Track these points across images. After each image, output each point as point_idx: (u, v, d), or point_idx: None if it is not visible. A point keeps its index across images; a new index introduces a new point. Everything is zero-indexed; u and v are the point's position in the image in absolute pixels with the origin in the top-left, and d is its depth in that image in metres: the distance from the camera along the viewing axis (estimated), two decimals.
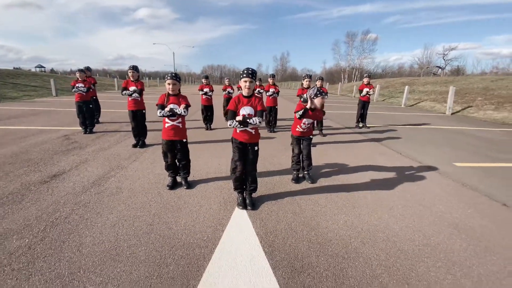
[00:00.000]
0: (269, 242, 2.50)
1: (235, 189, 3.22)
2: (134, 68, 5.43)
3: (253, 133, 3.02)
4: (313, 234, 2.65)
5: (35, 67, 78.02)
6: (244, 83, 2.90)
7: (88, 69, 7.87)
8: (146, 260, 2.22)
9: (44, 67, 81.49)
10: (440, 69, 44.71)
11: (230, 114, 2.96)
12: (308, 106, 3.61)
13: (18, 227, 2.66)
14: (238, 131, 3.00)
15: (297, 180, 3.96)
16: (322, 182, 4.00)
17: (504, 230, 2.86)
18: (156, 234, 2.58)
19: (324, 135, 7.27)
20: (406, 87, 18.26)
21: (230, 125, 2.96)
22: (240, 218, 2.92)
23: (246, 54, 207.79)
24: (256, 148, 3.08)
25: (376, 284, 2.03)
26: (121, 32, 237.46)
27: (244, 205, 3.13)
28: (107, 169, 4.27)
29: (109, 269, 2.10)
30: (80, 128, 6.87)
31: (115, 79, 31.98)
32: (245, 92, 2.95)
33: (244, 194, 3.24)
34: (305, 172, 4.03)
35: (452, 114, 13.51)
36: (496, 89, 15.67)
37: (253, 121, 2.88)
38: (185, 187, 3.65)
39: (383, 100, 21.45)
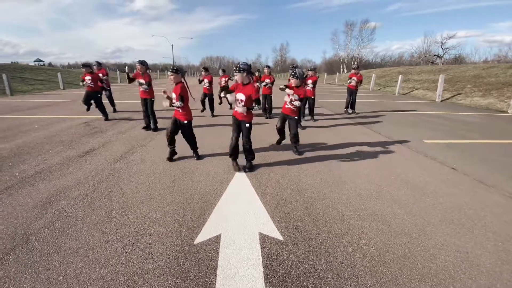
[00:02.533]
0: (261, 190, 3.42)
1: (229, 155, 4.13)
2: (141, 63, 6.18)
3: (244, 113, 3.84)
4: (295, 186, 3.56)
5: (34, 61, 78.49)
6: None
7: (99, 63, 8.75)
8: (173, 201, 3.13)
9: (43, 61, 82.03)
10: (438, 58, 45.28)
11: (229, 91, 3.84)
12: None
13: (73, 183, 3.57)
14: (234, 110, 3.89)
15: (279, 143, 5.14)
16: (308, 154, 4.90)
17: (444, 184, 3.76)
18: (177, 187, 3.49)
19: (315, 120, 8.14)
20: (400, 76, 19.04)
21: (223, 96, 3.82)
22: (241, 177, 3.83)
23: (245, 45, 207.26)
24: (247, 125, 3.91)
25: (335, 212, 2.95)
26: (118, 24, 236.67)
27: (238, 168, 4.05)
28: (129, 147, 5.17)
29: (148, 206, 3.02)
30: (102, 116, 7.73)
31: (117, 72, 32.70)
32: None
33: (237, 161, 4.15)
34: (293, 147, 4.93)
35: (441, 101, 14.34)
36: (486, 77, 16.42)
37: (238, 107, 3.79)
38: (195, 158, 4.55)
39: (379, 89, 22.22)
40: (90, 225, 2.65)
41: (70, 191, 3.36)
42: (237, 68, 3.70)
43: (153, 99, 6.54)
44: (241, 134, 4.00)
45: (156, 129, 6.62)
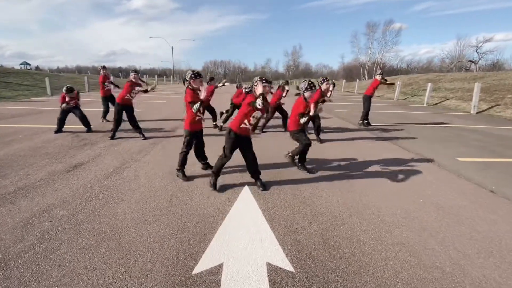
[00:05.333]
0: (270, 213, 3.41)
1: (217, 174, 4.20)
2: (135, 71, 7.01)
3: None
4: (308, 209, 3.55)
5: (20, 64, 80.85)
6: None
7: (103, 67, 9.20)
8: (170, 224, 3.14)
9: (30, 65, 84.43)
10: (472, 64, 45.24)
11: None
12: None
13: (58, 202, 3.61)
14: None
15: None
16: (324, 172, 4.89)
17: (482, 209, 3.69)
18: (175, 208, 3.51)
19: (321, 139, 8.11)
20: (429, 84, 19.01)
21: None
22: (246, 197, 3.84)
23: (254, 48, 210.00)
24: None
25: (355, 240, 2.92)
26: (114, 25, 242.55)
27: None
28: (122, 161, 5.24)
29: (141, 228, 3.03)
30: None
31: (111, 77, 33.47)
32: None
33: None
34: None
35: (477, 113, 14.20)
36: None
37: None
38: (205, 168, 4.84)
39: (405, 99, 22.18)
40: (75, 250, 2.67)
41: (54, 210, 3.40)
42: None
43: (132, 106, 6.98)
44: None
45: (143, 137, 6.99)
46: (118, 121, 6.90)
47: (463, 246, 2.88)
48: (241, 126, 3.88)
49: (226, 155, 4.03)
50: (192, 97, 4.18)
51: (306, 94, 4.68)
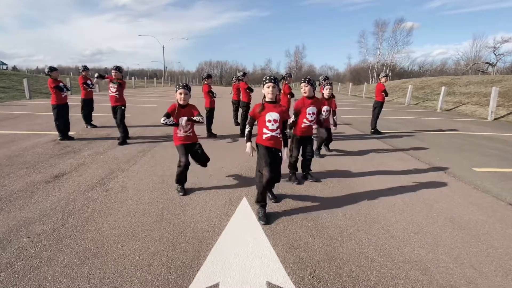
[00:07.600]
0: (270, 228, 3.44)
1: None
2: (118, 69, 7.17)
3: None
4: (312, 223, 3.58)
5: None
6: (267, 89, 3.64)
7: (85, 68, 9.65)
8: (160, 240, 3.16)
9: (6, 65, 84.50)
10: (490, 66, 45.75)
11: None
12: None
13: (37, 216, 3.62)
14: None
15: (297, 180, 4.95)
16: (329, 183, 4.93)
17: (500, 223, 3.73)
18: (166, 222, 3.53)
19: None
20: (443, 88, 19.20)
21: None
22: (245, 211, 3.86)
23: (253, 48, 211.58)
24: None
25: (362, 257, 2.94)
26: (100, 22, 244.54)
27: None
28: (108, 171, 5.26)
29: (129, 245, 3.05)
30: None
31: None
32: (268, 97, 3.68)
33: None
34: (308, 174, 5.02)
35: (494, 119, 14.33)
36: None
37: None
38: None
39: (416, 104, 22.39)
40: (56, 269, 2.67)
41: (33, 225, 3.41)
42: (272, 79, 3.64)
43: (123, 107, 7.24)
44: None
45: (123, 142, 7.19)
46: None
47: (480, 264, 2.91)
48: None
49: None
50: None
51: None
